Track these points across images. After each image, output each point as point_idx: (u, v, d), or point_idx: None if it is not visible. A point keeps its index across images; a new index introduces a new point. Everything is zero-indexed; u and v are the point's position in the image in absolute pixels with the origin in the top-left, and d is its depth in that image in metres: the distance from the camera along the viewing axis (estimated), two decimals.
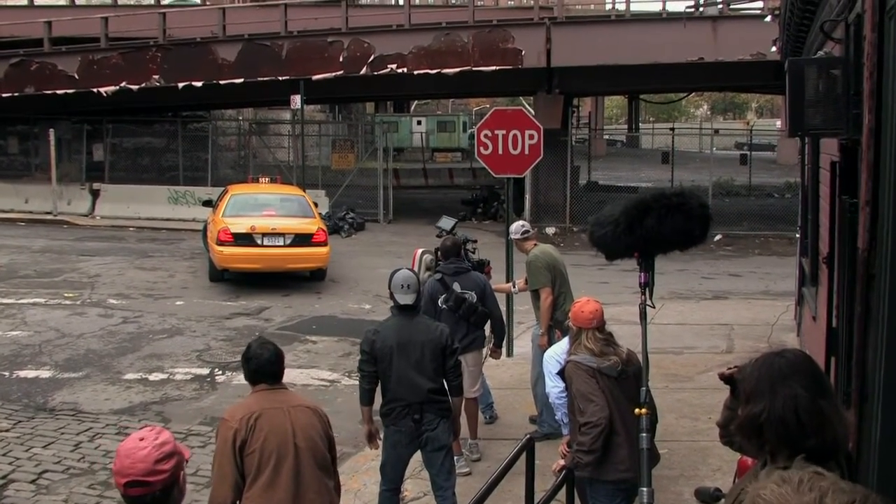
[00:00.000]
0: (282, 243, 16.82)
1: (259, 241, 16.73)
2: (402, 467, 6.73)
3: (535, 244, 9.32)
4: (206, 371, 11.55)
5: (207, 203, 19.84)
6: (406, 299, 6.57)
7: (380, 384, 6.57)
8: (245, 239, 16.66)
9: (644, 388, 5.52)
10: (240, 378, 9.97)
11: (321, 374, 11.14)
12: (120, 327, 13.82)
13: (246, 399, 5.13)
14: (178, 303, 15.57)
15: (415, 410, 6.44)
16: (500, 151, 11.45)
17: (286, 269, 17.16)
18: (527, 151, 11.47)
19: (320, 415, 5.11)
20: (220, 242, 16.68)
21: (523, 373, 10.30)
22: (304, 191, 20.79)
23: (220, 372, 11.49)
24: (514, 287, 10.09)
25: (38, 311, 15.00)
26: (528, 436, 6.09)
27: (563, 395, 6.04)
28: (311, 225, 17.42)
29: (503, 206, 25.89)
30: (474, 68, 23.87)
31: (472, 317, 8.39)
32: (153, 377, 11.33)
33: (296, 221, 17.46)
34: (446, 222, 10.54)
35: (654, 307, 5.72)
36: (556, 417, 6.60)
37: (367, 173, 29.43)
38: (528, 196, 25.45)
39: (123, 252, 20.85)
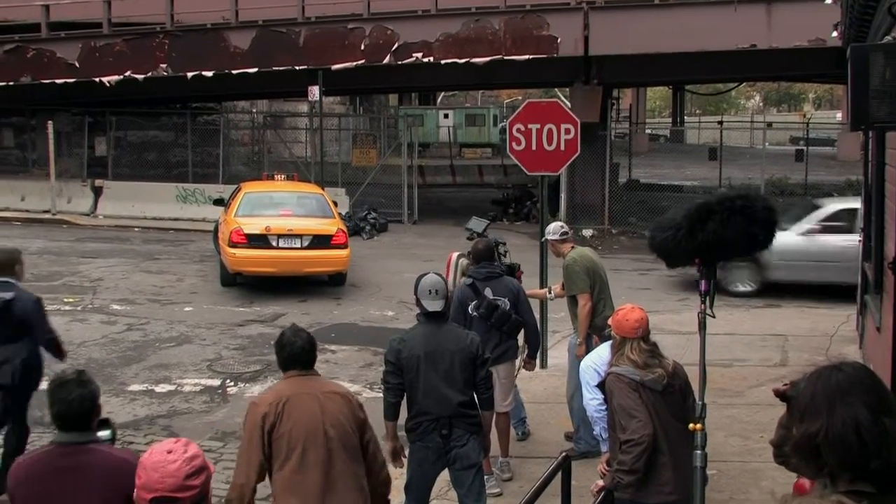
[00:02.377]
0: (299, 245, 16.79)
1: (274, 243, 16.72)
2: (429, 486, 6.72)
3: (573, 247, 9.39)
4: (216, 382, 11.61)
5: (219, 202, 19.95)
6: (434, 306, 6.58)
7: (406, 397, 6.56)
8: (259, 240, 16.66)
9: (700, 403, 5.53)
10: (253, 390, 10.08)
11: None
12: (124, 335, 13.92)
13: (276, 384, 5.43)
14: (186, 309, 15.66)
15: (443, 425, 6.43)
16: (534, 147, 11.44)
17: (303, 273, 17.16)
18: (562, 147, 11.46)
19: (350, 401, 5.31)
20: (233, 244, 16.68)
21: (558, 385, 10.29)
22: (323, 189, 20.85)
23: (232, 383, 11.54)
24: (550, 293, 10.11)
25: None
26: (563, 454, 6.09)
27: (603, 408, 6.05)
28: (331, 226, 17.39)
29: (536, 206, 25.83)
30: (506, 57, 23.86)
31: (505, 325, 8.38)
32: (160, 389, 11.40)
33: (314, 222, 17.45)
34: (477, 224, 10.61)
35: (713, 317, 5.74)
36: (595, 433, 6.63)
37: (390, 170, 29.48)
38: (563, 195, 25.40)
39: (128, 254, 20.98)
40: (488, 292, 8.35)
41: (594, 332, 8.74)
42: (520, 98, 61.00)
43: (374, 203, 27.10)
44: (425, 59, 24.43)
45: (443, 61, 24.37)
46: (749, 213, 5.41)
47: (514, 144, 11.54)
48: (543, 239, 10.29)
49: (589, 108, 24.05)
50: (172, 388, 11.37)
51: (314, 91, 24.47)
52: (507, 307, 8.36)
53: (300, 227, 17.06)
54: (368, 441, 5.30)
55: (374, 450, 5.36)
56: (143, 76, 25.86)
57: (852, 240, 14.04)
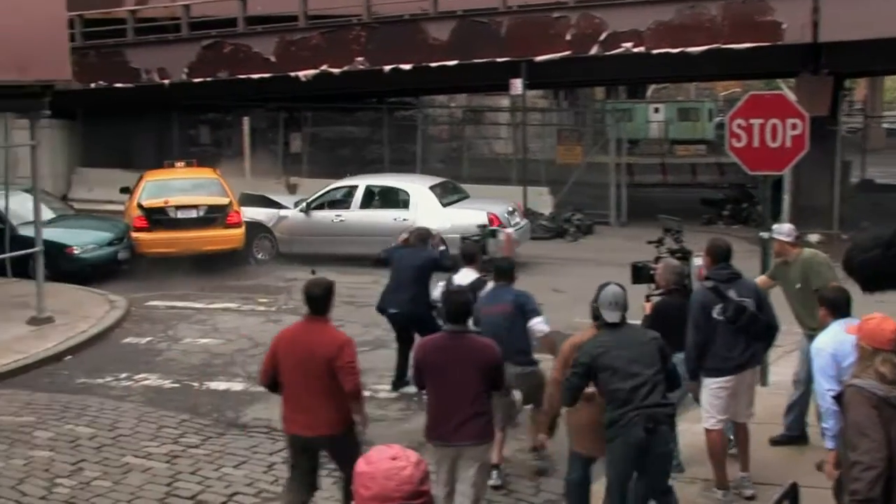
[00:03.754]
0: (195, 215, 19.58)
1: (173, 214, 19.51)
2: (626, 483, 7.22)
3: (801, 251, 9.58)
4: (413, 389, 11.82)
5: (125, 190, 21.94)
6: (613, 317, 7.21)
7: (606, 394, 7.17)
8: (160, 214, 19.47)
9: None
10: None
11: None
12: None
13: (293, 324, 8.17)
14: None
15: (647, 419, 6.93)
16: (756, 144, 11.18)
17: (202, 252, 19.40)
18: (788, 144, 11.14)
19: (340, 346, 7.58)
20: (136, 229, 19.46)
21: (778, 405, 9.95)
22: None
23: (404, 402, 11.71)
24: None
25: (230, 317, 15.86)
26: (792, 483, 5.93)
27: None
28: (224, 199, 19.95)
29: (756, 208, 25.24)
30: (724, 46, 23.35)
31: (753, 327, 8.41)
32: None
33: (209, 197, 20.09)
34: (671, 222, 11.13)
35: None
36: (824, 426, 6.69)
37: (596, 169, 29.30)
38: (786, 196, 24.52)
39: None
40: (732, 294, 8.40)
41: None
42: (738, 90, 59.56)
43: (580, 203, 26.99)
44: (635, 49, 24.17)
45: (654, 51, 24.06)
46: None
47: (733, 141, 11.31)
48: (769, 236, 10.32)
49: (817, 100, 23.25)
50: (367, 393, 11.57)
51: (517, 84, 24.60)
52: (753, 308, 8.43)
53: (196, 199, 19.89)
54: (345, 382, 7.45)
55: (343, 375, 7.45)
56: (339, 70, 26.53)
57: None
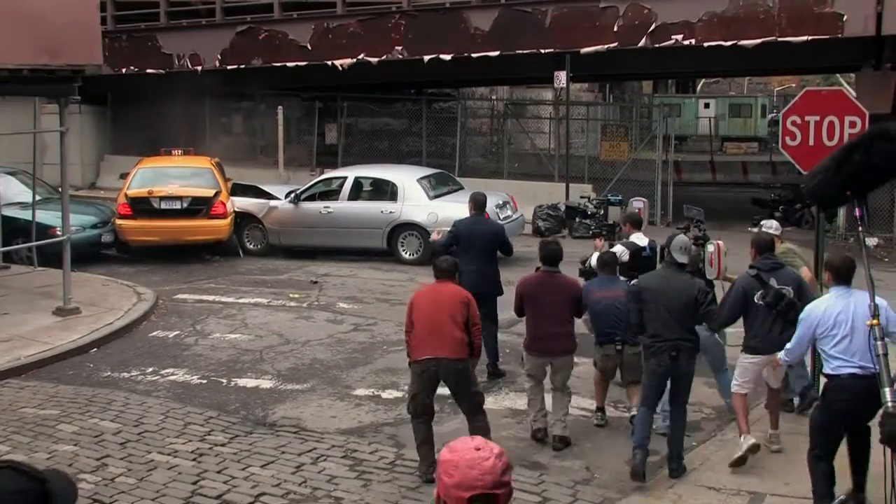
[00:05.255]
0: (179, 206, 20.05)
1: (156, 205, 19.98)
2: (660, 394, 9.51)
3: (781, 244, 11.39)
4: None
5: (124, 176, 22.38)
6: (682, 258, 9.47)
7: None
8: (143, 204, 19.95)
9: None
10: (488, 401, 10.26)
11: (582, 403, 11.19)
12: (350, 335, 14.44)
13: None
14: None
15: (672, 348, 9.11)
16: (812, 143, 11.11)
17: (185, 242, 20.17)
18: (846, 143, 11.07)
19: (462, 300, 9.33)
20: (120, 216, 20.12)
21: None
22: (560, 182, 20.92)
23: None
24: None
25: (259, 312, 15.93)
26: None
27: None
28: (210, 191, 20.29)
29: (810, 209, 25.05)
30: (779, 39, 23.18)
31: (791, 313, 9.28)
32: (386, 395, 11.76)
33: (195, 188, 20.46)
34: (697, 213, 13.31)
35: (875, 239, 7.55)
36: (783, 358, 8.81)
37: (642, 165, 29.21)
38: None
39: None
40: (773, 282, 9.59)
41: None
42: (793, 86, 59.23)
43: (624, 201, 26.87)
44: (686, 42, 24.05)
45: (706, 44, 23.92)
46: (890, 136, 6.58)
47: (787, 139, 11.24)
48: (760, 230, 11.56)
49: (879, 96, 23.03)
50: (400, 394, 11.68)
51: (561, 77, 24.56)
52: (792, 295, 9.54)
53: (180, 190, 20.26)
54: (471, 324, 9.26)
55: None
56: (377, 59, 26.59)
57: None
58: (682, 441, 9.55)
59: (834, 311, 7.96)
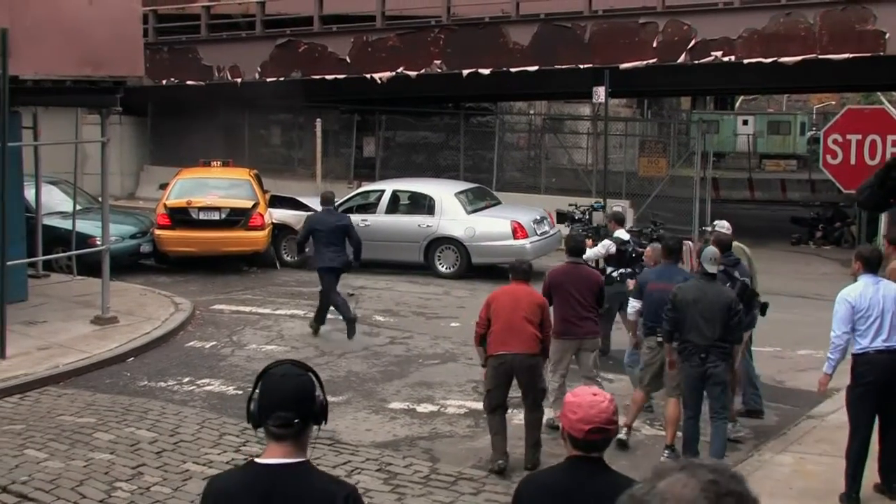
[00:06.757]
0: (217, 217, 20.26)
1: (195, 215, 20.20)
2: (697, 397, 9.96)
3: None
4: (482, 406, 11.85)
5: (163, 186, 22.40)
6: (711, 269, 9.94)
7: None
8: (182, 214, 20.20)
9: None
10: (520, 417, 10.25)
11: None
12: (386, 348, 14.47)
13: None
14: (453, 324, 16.07)
15: (701, 350, 9.67)
16: (853, 161, 11.11)
17: (222, 253, 20.40)
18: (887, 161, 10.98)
19: (538, 303, 10.23)
20: (159, 226, 20.37)
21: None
22: (604, 198, 20.90)
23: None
24: None
25: (296, 324, 15.99)
26: None
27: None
28: (249, 202, 20.49)
29: (850, 228, 24.89)
30: (820, 56, 22.98)
31: (751, 299, 10.96)
32: (421, 408, 11.78)
33: (234, 199, 20.68)
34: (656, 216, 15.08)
35: None
36: (829, 356, 9.15)
37: (680, 182, 29.14)
38: (884, 217, 24.24)
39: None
40: (737, 274, 10.92)
41: None
42: (833, 103, 58.79)
43: (661, 218, 26.76)
44: (725, 59, 23.92)
45: (746, 60, 23.78)
46: None
47: (828, 157, 11.24)
48: (713, 230, 12.72)
49: None
50: (435, 408, 11.70)
51: (600, 92, 24.48)
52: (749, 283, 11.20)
53: (219, 201, 20.48)
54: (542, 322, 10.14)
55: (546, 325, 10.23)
56: (415, 73, 26.64)
57: None
58: (720, 456, 9.62)
59: (867, 294, 8.90)
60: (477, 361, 11.45)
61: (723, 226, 12.77)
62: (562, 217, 18.72)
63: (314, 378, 4.15)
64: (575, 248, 11.46)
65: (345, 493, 4.03)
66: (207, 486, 4.22)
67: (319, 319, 15.41)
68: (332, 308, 15.60)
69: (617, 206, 16.62)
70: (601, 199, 18.74)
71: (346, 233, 15.61)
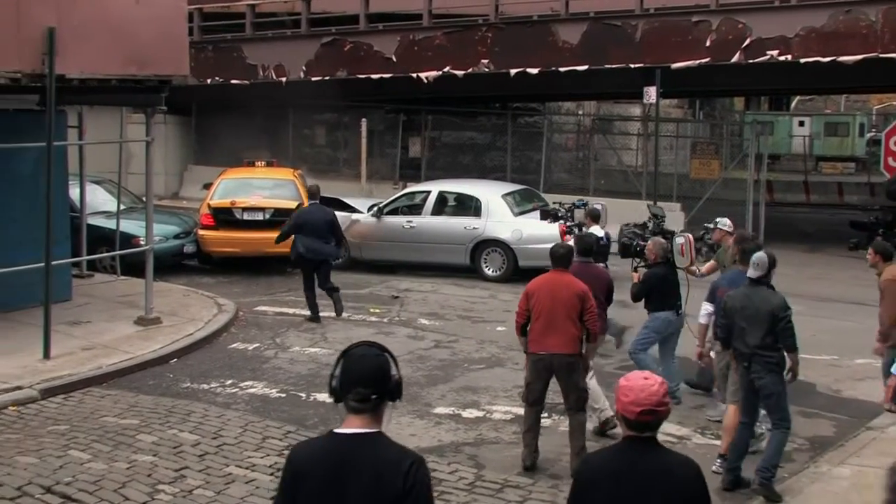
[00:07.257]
0: (261, 218, 20.37)
1: (239, 216, 20.42)
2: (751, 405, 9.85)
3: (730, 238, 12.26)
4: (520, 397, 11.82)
5: (207, 186, 22.63)
6: (754, 274, 9.71)
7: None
8: (226, 214, 20.46)
9: None
10: (566, 424, 10.21)
11: (667, 429, 11.06)
12: (431, 352, 14.47)
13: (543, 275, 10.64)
14: (499, 328, 16.02)
15: (745, 359, 9.60)
16: None
17: (266, 254, 20.02)
18: None
19: (578, 293, 10.10)
20: (203, 227, 20.63)
21: None
22: (655, 201, 20.79)
23: (546, 415, 11.67)
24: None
25: (339, 326, 16.04)
26: None
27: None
28: (293, 202, 20.25)
29: None
30: (882, 55, 22.71)
31: None
32: (467, 414, 11.76)
33: (278, 199, 20.81)
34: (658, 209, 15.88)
35: None
36: None
37: (732, 185, 28.92)
38: None
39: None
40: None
41: None
42: (895, 104, 58.15)
43: (713, 221, 26.53)
44: (781, 58, 23.72)
45: (803, 60, 23.57)
46: None
47: (890, 160, 11.14)
48: (715, 227, 13.12)
49: None
50: (481, 414, 11.68)
51: (651, 92, 24.39)
52: None
53: (263, 202, 20.65)
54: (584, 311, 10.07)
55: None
56: (462, 72, 26.64)
57: None
58: (775, 462, 9.58)
59: None
60: (523, 366, 11.44)
61: (724, 223, 13.07)
62: (545, 214, 19.00)
63: (390, 358, 4.54)
64: (584, 249, 11.85)
65: (410, 460, 4.43)
66: (291, 452, 4.71)
67: (338, 311, 16.60)
68: (333, 302, 16.52)
69: (596, 204, 17.08)
70: (583, 198, 19.63)
71: (332, 227, 16.63)
